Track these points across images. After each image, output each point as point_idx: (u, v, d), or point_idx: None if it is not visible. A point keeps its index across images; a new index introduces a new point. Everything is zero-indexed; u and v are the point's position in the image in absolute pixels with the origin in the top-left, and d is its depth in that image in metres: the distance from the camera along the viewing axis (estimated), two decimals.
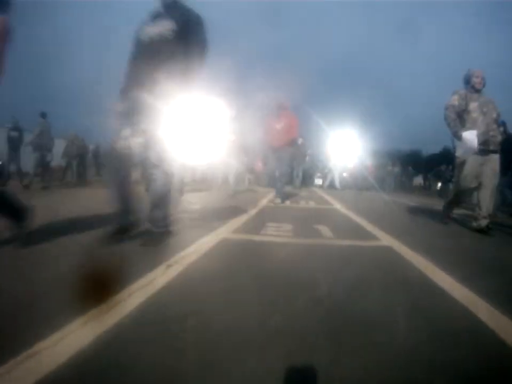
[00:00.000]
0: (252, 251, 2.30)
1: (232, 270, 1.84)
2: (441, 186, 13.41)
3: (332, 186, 12.24)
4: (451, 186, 12.64)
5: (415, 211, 5.71)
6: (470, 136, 3.29)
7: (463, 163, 3.48)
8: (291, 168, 10.50)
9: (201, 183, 11.61)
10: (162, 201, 2.36)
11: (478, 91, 3.53)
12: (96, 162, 13.71)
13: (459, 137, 3.39)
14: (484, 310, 1.36)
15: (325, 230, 3.08)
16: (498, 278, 1.88)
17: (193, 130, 6.97)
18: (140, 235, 2.39)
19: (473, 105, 3.45)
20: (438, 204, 6.84)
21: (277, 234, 2.84)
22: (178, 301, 1.37)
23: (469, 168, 3.43)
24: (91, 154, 13.15)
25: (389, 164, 14.86)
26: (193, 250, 2.22)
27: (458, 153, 3.55)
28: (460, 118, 3.50)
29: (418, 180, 23.20)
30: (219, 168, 11.97)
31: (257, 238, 2.69)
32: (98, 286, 1.39)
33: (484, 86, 3.55)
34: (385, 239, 2.80)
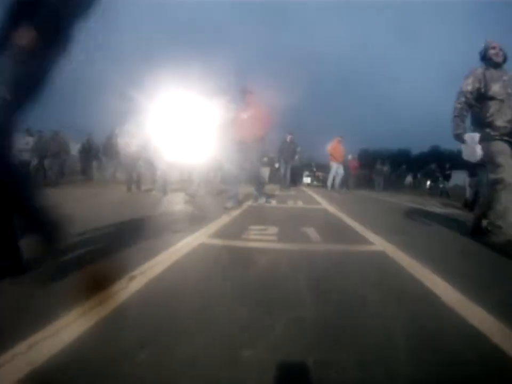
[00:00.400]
0: (230, 259, 2.03)
1: (204, 284, 1.57)
2: (430, 184, 13.40)
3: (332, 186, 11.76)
4: (440, 185, 12.70)
5: (406, 210, 5.54)
6: (470, 141, 2.72)
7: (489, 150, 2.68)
8: (270, 165, 10.15)
9: (189, 183, 11.27)
10: None
11: (498, 65, 2.79)
12: (86, 157, 12.23)
13: (461, 140, 2.79)
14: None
15: (313, 233, 2.83)
16: None
17: (181, 129, 6.65)
18: None
19: (495, 87, 2.70)
20: (428, 203, 6.76)
21: (260, 238, 2.57)
22: (132, 327, 1.11)
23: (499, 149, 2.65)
24: (80, 149, 12.01)
25: (379, 163, 14.78)
26: (164, 257, 1.96)
27: (465, 156, 2.86)
28: (481, 105, 2.77)
29: (408, 179, 23.34)
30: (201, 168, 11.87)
31: (237, 243, 2.42)
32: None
33: (505, 59, 2.82)
34: (378, 243, 2.56)
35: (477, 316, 1.27)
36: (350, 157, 12.82)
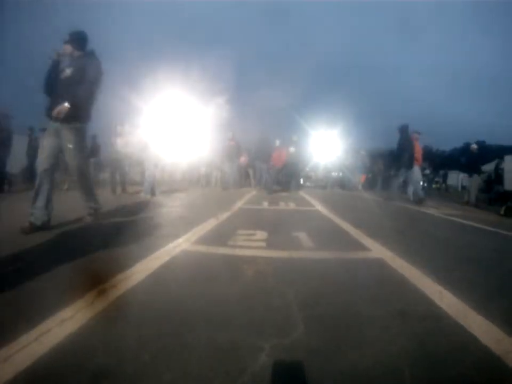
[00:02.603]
0: (212, 270, 1.82)
1: (179, 302, 1.36)
2: (423, 186, 13.27)
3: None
4: (433, 185, 12.62)
5: (403, 213, 5.38)
6: None
7: None
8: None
9: (180, 184, 11.02)
10: None
11: None
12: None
13: None
14: None
15: (305, 238, 2.63)
16: None
17: (174, 131, 6.40)
18: None
19: None
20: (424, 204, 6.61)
21: (247, 245, 2.36)
22: (90, 356, 0.93)
23: None
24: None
25: (380, 163, 14.55)
26: (141, 267, 1.76)
27: None
28: None
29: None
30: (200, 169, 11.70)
31: (222, 250, 2.21)
32: None
33: None
34: (375, 249, 2.38)
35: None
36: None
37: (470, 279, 1.81)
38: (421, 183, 7.68)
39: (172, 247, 2.23)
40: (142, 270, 1.72)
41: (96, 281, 1.49)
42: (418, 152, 7.12)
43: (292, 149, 9.41)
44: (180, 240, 2.45)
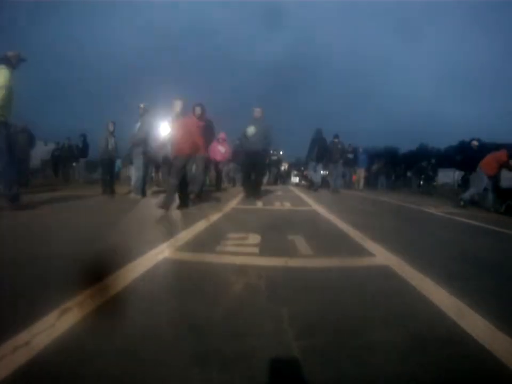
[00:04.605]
0: (195, 283, 1.57)
1: (152, 325, 1.11)
2: (423, 183, 13.07)
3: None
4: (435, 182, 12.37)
5: (406, 213, 5.19)
6: None
7: None
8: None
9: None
10: None
11: None
12: (60, 159, 11.18)
13: None
14: None
15: (301, 242, 2.39)
16: None
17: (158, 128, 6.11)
18: None
19: None
20: (419, 202, 6.44)
21: (238, 251, 2.12)
22: None
23: None
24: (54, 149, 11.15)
25: (381, 162, 14.42)
26: (115, 280, 1.51)
27: None
28: None
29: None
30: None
31: (209, 257, 1.96)
32: None
33: None
34: (380, 254, 2.15)
35: None
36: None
37: (489, 289, 1.60)
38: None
39: (154, 254, 1.98)
40: (115, 283, 1.47)
41: (68, 294, 1.24)
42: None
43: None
44: (164, 245, 2.20)
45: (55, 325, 1.07)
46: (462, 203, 5.96)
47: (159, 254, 1.98)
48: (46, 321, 1.08)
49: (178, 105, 4.74)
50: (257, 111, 5.98)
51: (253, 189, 5.98)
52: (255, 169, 6.05)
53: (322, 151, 8.59)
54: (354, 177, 12.75)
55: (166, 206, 3.84)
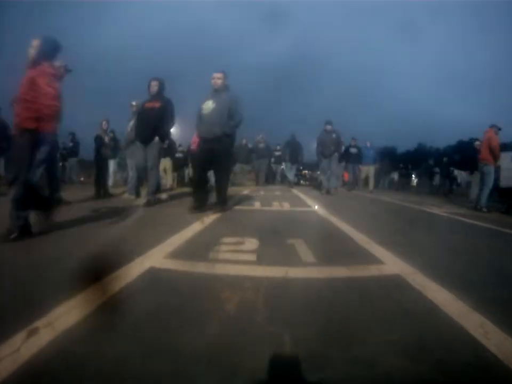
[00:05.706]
0: (181, 300, 1.36)
1: (121, 359, 0.92)
2: (417, 181, 12.81)
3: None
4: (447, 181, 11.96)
5: (415, 214, 5.02)
6: None
7: None
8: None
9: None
10: None
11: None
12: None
13: None
14: None
15: (303, 248, 2.19)
16: None
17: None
18: None
19: None
20: (424, 201, 6.27)
21: (232, 259, 1.92)
22: None
23: None
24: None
25: (385, 162, 14.25)
26: (90, 294, 1.33)
27: None
28: None
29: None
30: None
31: (200, 267, 1.76)
32: None
33: None
34: (389, 261, 1.96)
35: None
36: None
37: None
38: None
39: (140, 262, 1.79)
40: (90, 298, 1.28)
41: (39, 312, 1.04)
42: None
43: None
44: (152, 251, 2.01)
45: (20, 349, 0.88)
46: (484, 210, 5.46)
47: (144, 261, 1.79)
48: (10, 345, 0.90)
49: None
50: (216, 78, 3.87)
51: (206, 195, 4.04)
52: (212, 164, 3.93)
53: (295, 154, 9.90)
54: (346, 175, 11.72)
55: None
